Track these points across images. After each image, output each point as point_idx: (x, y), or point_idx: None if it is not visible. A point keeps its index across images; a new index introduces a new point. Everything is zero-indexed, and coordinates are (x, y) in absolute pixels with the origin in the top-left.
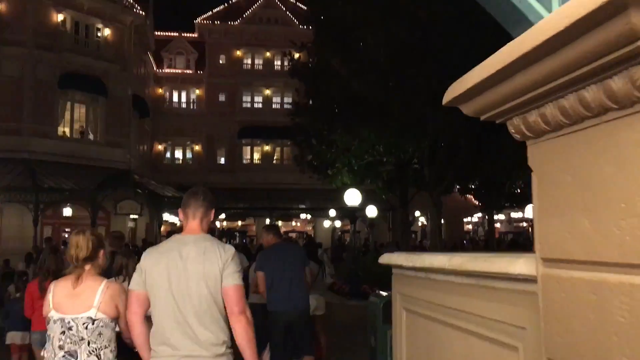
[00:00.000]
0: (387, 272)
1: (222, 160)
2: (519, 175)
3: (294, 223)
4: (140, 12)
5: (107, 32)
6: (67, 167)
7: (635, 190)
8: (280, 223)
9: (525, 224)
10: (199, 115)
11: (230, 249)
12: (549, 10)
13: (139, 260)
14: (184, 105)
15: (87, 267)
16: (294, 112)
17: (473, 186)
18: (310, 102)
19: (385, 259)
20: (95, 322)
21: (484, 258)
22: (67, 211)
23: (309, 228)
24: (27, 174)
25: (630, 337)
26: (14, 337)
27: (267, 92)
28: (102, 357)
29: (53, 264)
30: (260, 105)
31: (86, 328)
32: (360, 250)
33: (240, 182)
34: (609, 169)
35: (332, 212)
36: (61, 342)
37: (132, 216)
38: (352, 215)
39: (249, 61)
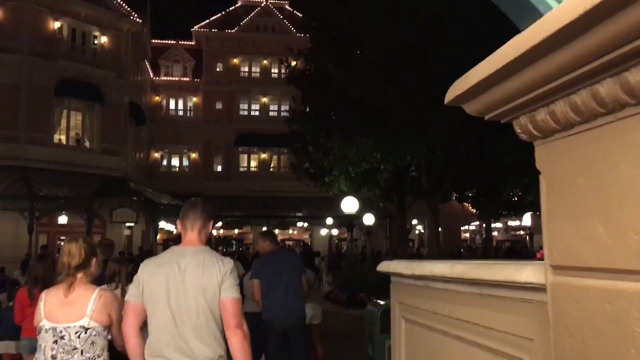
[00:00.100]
0: (384, 280)
1: (219, 168)
2: (517, 183)
3: (290, 231)
4: (138, 19)
5: (104, 39)
6: (62, 175)
7: None
8: (277, 231)
9: (522, 232)
10: (196, 122)
11: (229, 263)
12: (560, 0)
13: (134, 268)
14: (180, 113)
15: (79, 275)
16: (291, 119)
17: (470, 194)
18: (307, 109)
19: (384, 266)
20: (88, 330)
21: (488, 266)
22: (63, 219)
23: (305, 236)
24: (23, 182)
25: None
26: (7, 347)
27: (264, 99)
28: None
29: (40, 270)
30: (257, 113)
31: (79, 337)
32: (358, 259)
33: (237, 190)
34: (626, 170)
35: (329, 220)
36: (54, 352)
37: (128, 224)
38: (349, 223)
39: (246, 69)
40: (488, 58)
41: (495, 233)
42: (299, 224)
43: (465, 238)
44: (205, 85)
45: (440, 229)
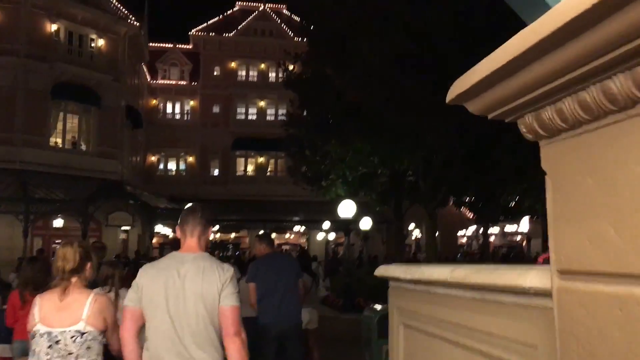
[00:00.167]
0: (381, 284)
1: (216, 172)
2: (515, 188)
3: (287, 235)
4: (135, 23)
5: (101, 42)
6: (58, 178)
7: None
8: (273, 235)
9: (519, 238)
10: (193, 126)
11: (229, 270)
12: None
13: (129, 272)
14: (177, 116)
15: (74, 279)
16: (288, 122)
17: (468, 199)
18: (305, 112)
19: (382, 271)
20: (84, 335)
21: (490, 270)
22: (58, 222)
23: (302, 240)
24: (18, 185)
25: None
26: (3, 350)
27: (262, 103)
28: None
29: (29, 272)
30: (254, 117)
31: (74, 342)
32: (355, 263)
33: (233, 194)
34: (638, 169)
35: (326, 225)
36: (48, 356)
37: (123, 228)
38: (346, 227)
39: (244, 73)
40: (492, 54)
41: (492, 238)
42: (296, 228)
43: (462, 243)
44: (202, 88)
45: (437, 234)
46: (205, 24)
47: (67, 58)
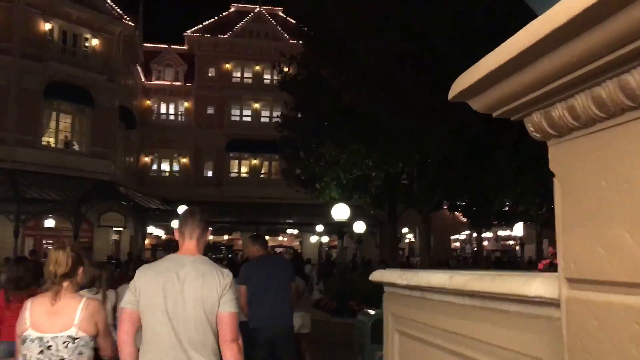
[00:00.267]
0: (375, 289)
1: (210, 174)
2: (509, 192)
3: (280, 238)
4: (130, 23)
5: (95, 42)
6: (50, 178)
7: None
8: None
9: (512, 242)
10: (187, 127)
11: (228, 275)
12: None
13: (121, 274)
14: (171, 118)
15: (65, 283)
16: (282, 124)
17: (462, 203)
18: (299, 114)
19: (377, 276)
20: (76, 340)
21: (492, 277)
22: (50, 222)
23: (295, 243)
24: (9, 184)
25: None
26: None
27: (256, 105)
28: None
29: (15, 272)
30: (248, 119)
31: (66, 347)
32: (348, 267)
33: (227, 196)
34: None
35: (320, 228)
36: None
37: (115, 229)
38: (339, 230)
39: (238, 74)
40: (498, 48)
41: (485, 243)
42: (289, 230)
43: (455, 247)
44: (196, 90)
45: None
46: (200, 25)
47: (61, 57)
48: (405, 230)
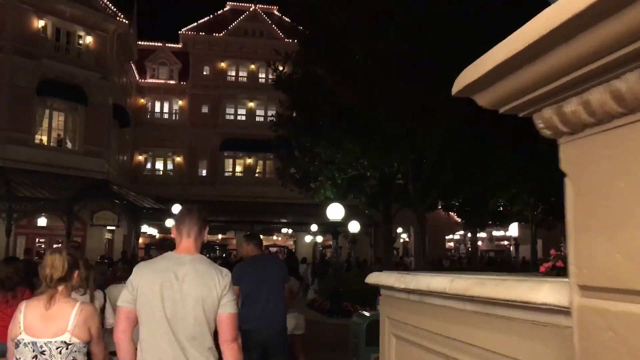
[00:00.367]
0: (370, 289)
1: (204, 173)
2: (504, 193)
3: (275, 237)
4: (124, 21)
5: (89, 39)
6: (43, 176)
7: None
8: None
9: (507, 243)
10: (181, 126)
11: (227, 275)
12: None
13: (114, 273)
14: (166, 116)
15: (60, 287)
16: (277, 123)
17: (457, 203)
18: (294, 113)
19: (374, 278)
20: (70, 346)
21: (496, 282)
22: (42, 221)
23: (290, 242)
24: (1, 182)
25: None
26: None
27: (251, 104)
28: None
29: (4, 272)
30: (243, 118)
31: (60, 353)
32: (343, 266)
33: (221, 195)
34: None
35: (314, 227)
36: None
37: (109, 227)
38: (334, 230)
39: (233, 73)
40: (506, 39)
41: (479, 243)
42: (284, 230)
43: (449, 247)
44: (191, 88)
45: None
46: (195, 24)
47: (54, 55)
48: (399, 230)
